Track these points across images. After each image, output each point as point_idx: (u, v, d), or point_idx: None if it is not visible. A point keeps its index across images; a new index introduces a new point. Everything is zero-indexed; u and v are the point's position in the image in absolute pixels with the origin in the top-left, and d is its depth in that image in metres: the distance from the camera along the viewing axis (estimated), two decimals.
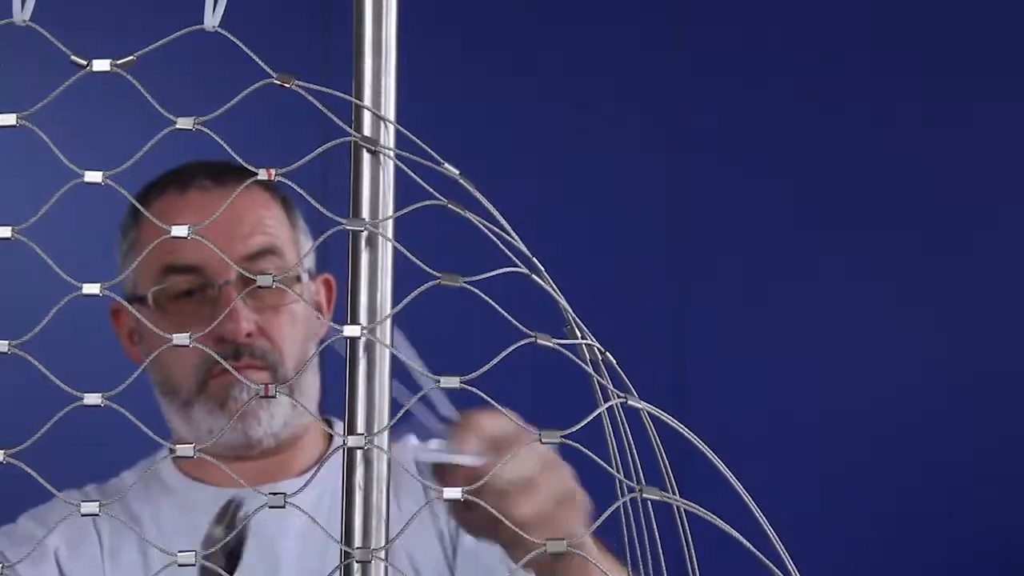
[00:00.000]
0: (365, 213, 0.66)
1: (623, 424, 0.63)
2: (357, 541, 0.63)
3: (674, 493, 0.60)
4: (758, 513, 0.61)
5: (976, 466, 2.28)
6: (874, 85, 2.35)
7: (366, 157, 0.66)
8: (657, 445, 0.61)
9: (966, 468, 2.28)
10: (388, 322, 0.68)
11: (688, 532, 0.62)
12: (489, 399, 0.63)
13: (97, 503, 0.60)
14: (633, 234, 2.29)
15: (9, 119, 0.60)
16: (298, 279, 1.27)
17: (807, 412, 2.28)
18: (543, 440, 0.59)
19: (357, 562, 0.62)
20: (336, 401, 1.25)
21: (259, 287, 1.16)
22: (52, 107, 0.59)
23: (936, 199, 2.34)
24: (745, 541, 0.58)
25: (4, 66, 1.63)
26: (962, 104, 2.35)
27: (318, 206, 0.64)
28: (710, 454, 0.60)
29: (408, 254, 0.63)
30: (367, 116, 0.66)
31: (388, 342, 0.68)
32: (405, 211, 0.65)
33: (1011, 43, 2.38)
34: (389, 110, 0.67)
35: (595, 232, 2.29)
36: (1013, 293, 2.34)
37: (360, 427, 0.67)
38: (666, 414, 0.61)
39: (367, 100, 0.66)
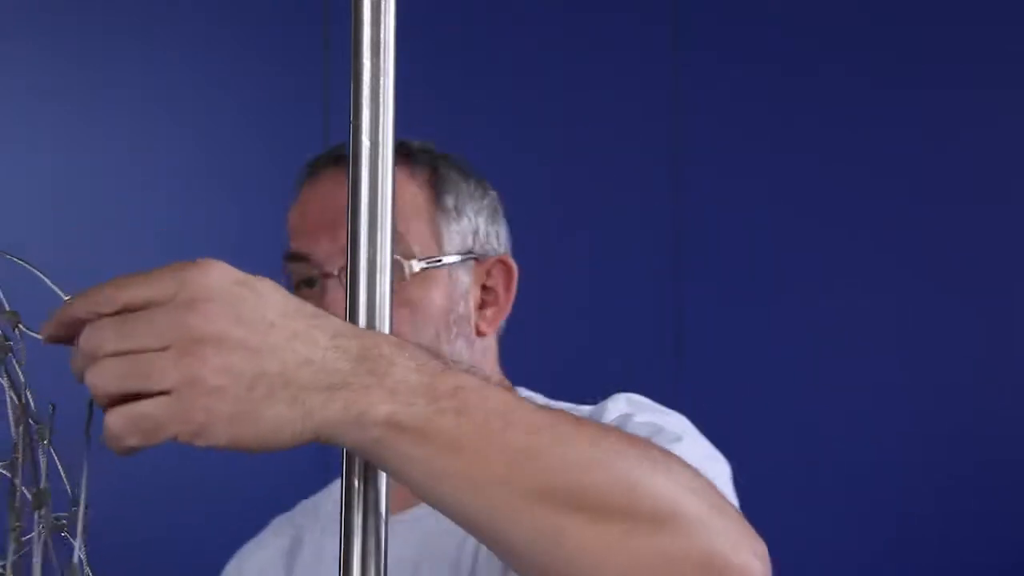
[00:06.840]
0: (364, 197, 0.67)
1: None
2: None
3: None
4: None
5: (976, 465, 2.28)
6: (875, 82, 2.36)
7: (365, 147, 0.67)
8: None
9: (968, 468, 2.28)
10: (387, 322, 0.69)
11: None
12: None
13: None
14: (633, 232, 2.29)
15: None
16: (438, 263, 1.12)
17: (803, 412, 2.28)
18: None
19: None
20: None
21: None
22: None
23: (938, 199, 2.34)
24: None
25: None
26: (964, 103, 2.35)
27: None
28: None
29: None
30: (365, 114, 0.66)
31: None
32: None
33: (1013, 41, 2.38)
34: (388, 110, 0.67)
35: (596, 230, 2.29)
36: (1015, 293, 2.34)
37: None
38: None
39: (365, 100, 0.66)
